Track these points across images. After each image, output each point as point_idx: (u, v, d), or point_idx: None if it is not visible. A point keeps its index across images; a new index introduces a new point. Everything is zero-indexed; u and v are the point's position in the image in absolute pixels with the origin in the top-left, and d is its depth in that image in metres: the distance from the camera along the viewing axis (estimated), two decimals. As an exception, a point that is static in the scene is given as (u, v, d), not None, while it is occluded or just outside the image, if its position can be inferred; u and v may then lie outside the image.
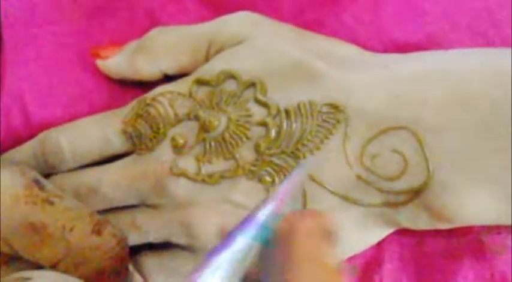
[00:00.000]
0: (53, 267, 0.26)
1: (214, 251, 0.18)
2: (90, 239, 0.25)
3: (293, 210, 0.20)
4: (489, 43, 0.28)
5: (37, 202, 0.25)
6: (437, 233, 0.27)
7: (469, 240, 0.27)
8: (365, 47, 0.29)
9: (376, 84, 0.26)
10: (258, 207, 0.19)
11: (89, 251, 0.25)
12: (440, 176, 0.24)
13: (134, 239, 0.29)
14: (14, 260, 0.27)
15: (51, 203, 0.26)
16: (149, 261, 0.30)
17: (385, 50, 0.29)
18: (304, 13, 0.31)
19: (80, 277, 0.25)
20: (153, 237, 0.29)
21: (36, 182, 0.26)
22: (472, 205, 0.24)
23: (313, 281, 0.18)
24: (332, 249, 0.19)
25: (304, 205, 0.26)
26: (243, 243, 0.18)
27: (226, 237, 0.18)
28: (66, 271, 0.25)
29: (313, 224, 0.19)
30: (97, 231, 0.26)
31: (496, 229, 0.27)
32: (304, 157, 0.26)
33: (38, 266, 0.28)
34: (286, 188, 0.20)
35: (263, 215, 0.19)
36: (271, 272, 0.18)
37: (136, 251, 0.30)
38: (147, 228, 0.29)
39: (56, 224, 0.25)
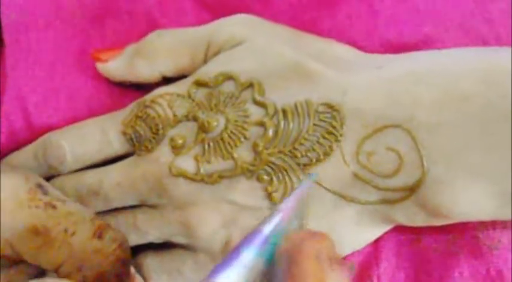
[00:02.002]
0: (55, 270, 0.26)
1: (219, 267, 0.17)
2: (92, 242, 0.26)
3: (298, 227, 0.20)
4: (484, 42, 0.29)
5: (40, 206, 0.26)
6: (433, 229, 0.27)
7: (465, 237, 0.28)
8: (360, 47, 0.30)
9: (371, 84, 0.26)
10: (263, 222, 0.19)
11: (90, 254, 0.25)
12: (435, 173, 0.24)
13: (135, 240, 0.30)
14: (18, 263, 0.27)
15: (54, 207, 0.26)
16: (150, 262, 0.30)
17: (380, 51, 0.29)
18: (300, 14, 0.31)
19: (81, 280, 0.25)
20: (153, 238, 0.29)
21: (39, 186, 0.27)
22: (467, 201, 0.24)
23: None
24: (337, 274, 0.18)
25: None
26: (248, 259, 0.18)
27: (231, 253, 0.18)
28: (68, 274, 0.26)
29: (320, 247, 0.18)
30: (98, 235, 0.26)
31: (491, 225, 0.27)
32: (302, 156, 0.26)
33: (41, 269, 0.28)
34: (291, 202, 0.20)
35: (268, 230, 0.19)
36: None
37: (137, 251, 0.30)
38: (147, 229, 0.29)
39: (58, 227, 0.25)
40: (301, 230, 0.20)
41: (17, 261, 0.27)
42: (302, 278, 0.17)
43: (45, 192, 0.26)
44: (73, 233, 0.25)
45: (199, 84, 0.29)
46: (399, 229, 0.28)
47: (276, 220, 0.19)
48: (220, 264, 0.17)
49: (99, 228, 0.26)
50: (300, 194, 0.21)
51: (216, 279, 0.17)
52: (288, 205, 0.20)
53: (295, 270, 0.18)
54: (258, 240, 0.18)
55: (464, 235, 0.28)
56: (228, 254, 0.18)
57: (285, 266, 0.18)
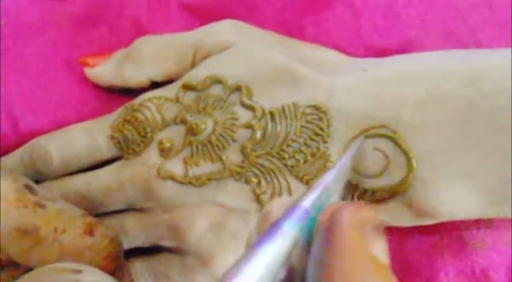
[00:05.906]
0: None
1: (260, 240, 0.16)
2: (83, 240, 0.26)
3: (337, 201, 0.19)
4: (465, 47, 0.29)
5: (28, 206, 0.25)
6: (418, 231, 0.28)
7: (450, 237, 0.28)
8: (345, 52, 0.30)
9: (356, 86, 0.26)
10: (303, 196, 0.18)
11: (82, 252, 0.25)
12: (420, 173, 0.25)
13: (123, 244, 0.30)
14: (9, 266, 0.27)
15: (43, 206, 0.26)
16: (138, 266, 0.30)
17: (365, 55, 0.30)
18: (286, 21, 0.32)
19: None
20: (141, 241, 0.29)
21: (28, 187, 0.26)
22: (451, 200, 0.25)
23: (360, 275, 0.16)
24: (380, 242, 0.17)
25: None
26: (288, 233, 0.17)
27: (270, 227, 0.17)
28: None
29: (360, 216, 0.17)
30: (89, 232, 0.26)
31: (475, 225, 0.28)
32: (290, 157, 0.27)
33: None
34: (331, 174, 0.20)
35: (308, 203, 0.18)
36: (313, 267, 0.17)
37: (124, 256, 0.30)
38: (135, 233, 0.29)
39: (48, 226, 0.25)
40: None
41: (7, 264, 0.26)
42: (342, 247, 0.16)
43: (34, 193, 0.26)
44: (63, 231, 0.25)
45: (187, 87, 0.29)
46: (385, 230, 0.28)
47: (315, 194, 0.18)
48: (262, 237, 0.17)
49: (90, 225, 0.26)
50: (341, 166, 0.20)
51: (258, 252, 0.16)
52: (328, 178, 0.19)
53: (334, 244, 0.16)
54: (297, 215, 0.17)
55: (449, 236, 0.28)
56: (268, 227, 0.17)
57: (323, 237, 0.17)
